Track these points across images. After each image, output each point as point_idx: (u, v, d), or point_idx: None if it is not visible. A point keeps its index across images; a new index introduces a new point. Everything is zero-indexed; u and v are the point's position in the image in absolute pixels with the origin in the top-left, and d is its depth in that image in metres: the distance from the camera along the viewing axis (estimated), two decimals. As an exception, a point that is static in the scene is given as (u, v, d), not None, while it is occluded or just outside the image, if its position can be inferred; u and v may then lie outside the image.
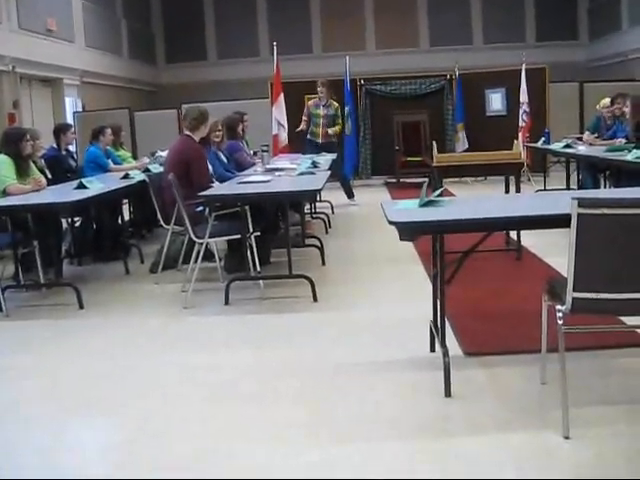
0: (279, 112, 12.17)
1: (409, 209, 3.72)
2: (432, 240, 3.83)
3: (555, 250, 5.68)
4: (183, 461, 3.06)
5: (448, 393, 3.53)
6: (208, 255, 6.15)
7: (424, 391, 3.63)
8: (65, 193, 6.28)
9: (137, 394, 3.87)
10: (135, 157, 10.93)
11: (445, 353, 3.61)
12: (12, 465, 3.12)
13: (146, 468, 3.02)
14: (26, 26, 14.68)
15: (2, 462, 3.14)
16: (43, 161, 7.57)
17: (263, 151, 8.08)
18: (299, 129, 10.92)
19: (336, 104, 10.90)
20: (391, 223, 3.41)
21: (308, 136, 10.76)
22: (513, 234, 6.67)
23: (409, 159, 13.19)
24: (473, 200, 4.41)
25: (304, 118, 10.82)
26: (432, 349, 4.15)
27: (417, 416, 3.37)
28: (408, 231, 3.49)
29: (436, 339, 3.97)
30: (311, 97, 11.08)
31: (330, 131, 10.63)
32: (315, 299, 5.46)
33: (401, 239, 3.52)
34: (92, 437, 3.47)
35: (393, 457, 2.99)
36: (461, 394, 3.55)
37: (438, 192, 4.02)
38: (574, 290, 3.00)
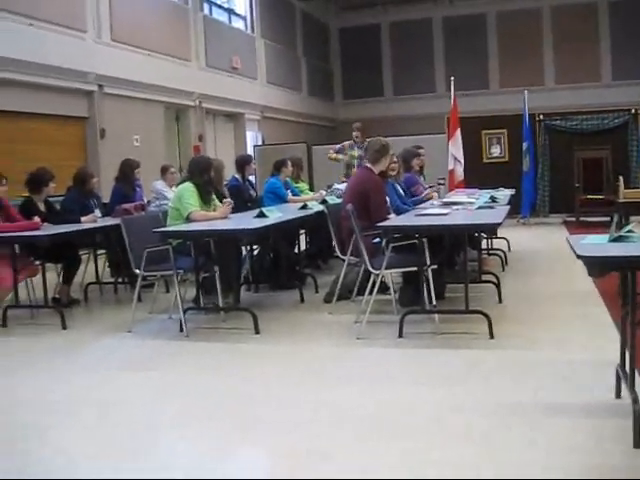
0: (455, 147, 12.12)
1: (598, 244, 3.54)
2: (621, 278, 3.62)
3: None
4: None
5: (638, 444, 3.26)
6: (382, 287, 6.11)
7: (608, 439, 3.38)
8: (246, 221, 6.48)
9: (302, 420, 3.86)
10: (312, 189, 11.15)
11: (635, 399, 3.37)
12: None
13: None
14: (213, 64, 15.53)
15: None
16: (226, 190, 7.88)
17: (439, 184, 8.01)
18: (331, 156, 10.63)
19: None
20: (579, 257, 3.25)
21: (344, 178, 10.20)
22: None
23: (589, 197, 12.71)
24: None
25: (337, 155, 10.52)
26: (618, 395, 3.89)
27: (598, 465, 3.14)
28: (598, 266, 3.32)
29: (623, 384, 3.73)
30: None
31: None
32: (492, 336, 5.29)
33: (590, 275, 3.34)
34: (246, 461, 3.50)
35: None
36: (652, 445, 3.28)
37: (629, 227, 3.79)
38: None
